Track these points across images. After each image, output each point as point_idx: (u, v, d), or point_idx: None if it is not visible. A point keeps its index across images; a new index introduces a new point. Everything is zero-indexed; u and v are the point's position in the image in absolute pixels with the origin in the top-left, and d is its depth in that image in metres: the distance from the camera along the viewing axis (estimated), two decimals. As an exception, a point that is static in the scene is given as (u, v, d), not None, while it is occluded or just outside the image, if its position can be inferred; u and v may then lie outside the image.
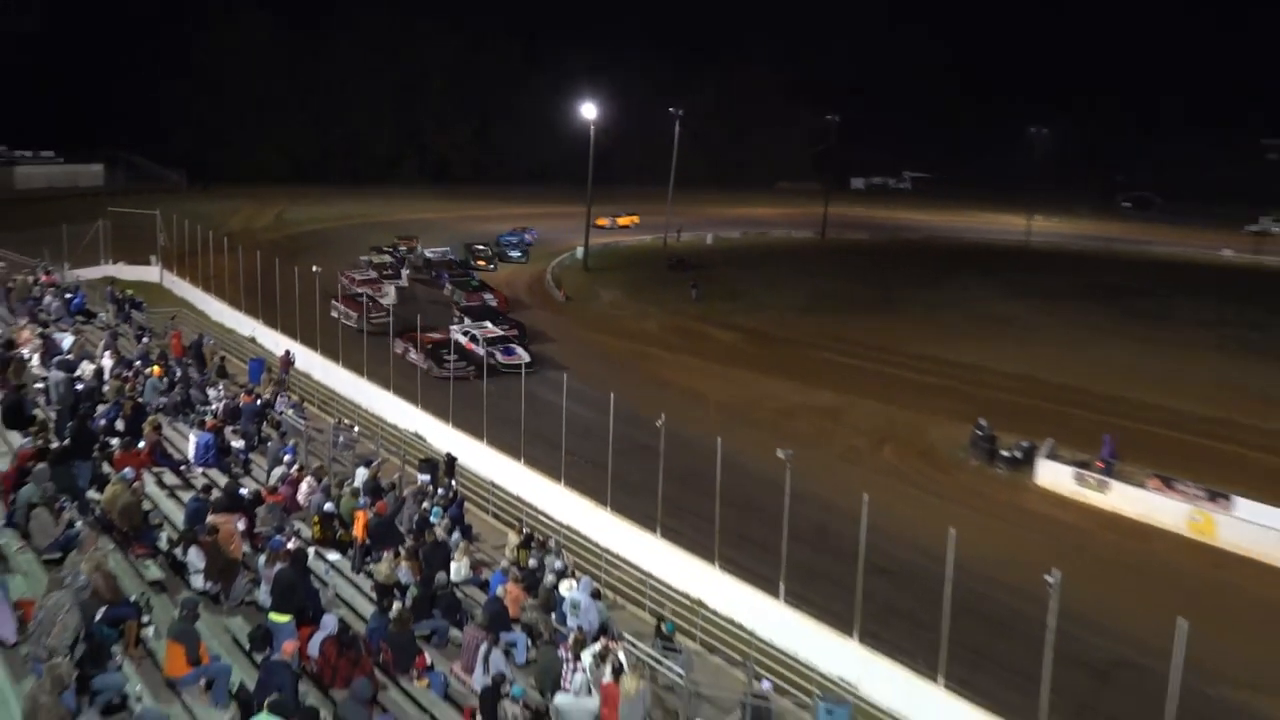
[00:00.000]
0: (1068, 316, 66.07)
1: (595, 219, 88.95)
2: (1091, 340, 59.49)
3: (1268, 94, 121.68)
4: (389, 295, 59.09)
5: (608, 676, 18.10)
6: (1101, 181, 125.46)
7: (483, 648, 18.33)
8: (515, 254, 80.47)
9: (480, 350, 46.11)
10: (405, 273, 68.27)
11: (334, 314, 50.24)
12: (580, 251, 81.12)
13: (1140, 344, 58.49)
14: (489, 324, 52.23)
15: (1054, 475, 36.77)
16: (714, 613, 25.67)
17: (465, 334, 49.84)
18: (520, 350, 48.62)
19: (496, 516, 31.03)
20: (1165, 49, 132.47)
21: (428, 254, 74.55)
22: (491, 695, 16.79)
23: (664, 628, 22.77)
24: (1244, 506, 32.95)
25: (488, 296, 62.13)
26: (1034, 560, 23.12)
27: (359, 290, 55.37)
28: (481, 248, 79.24)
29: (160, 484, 24.32)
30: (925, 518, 29.20)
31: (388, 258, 71.57)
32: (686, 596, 26.35)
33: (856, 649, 23.03)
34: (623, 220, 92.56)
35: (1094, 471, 36.01)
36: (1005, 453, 38.39)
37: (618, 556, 28.59)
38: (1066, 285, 76.61)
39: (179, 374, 33.77)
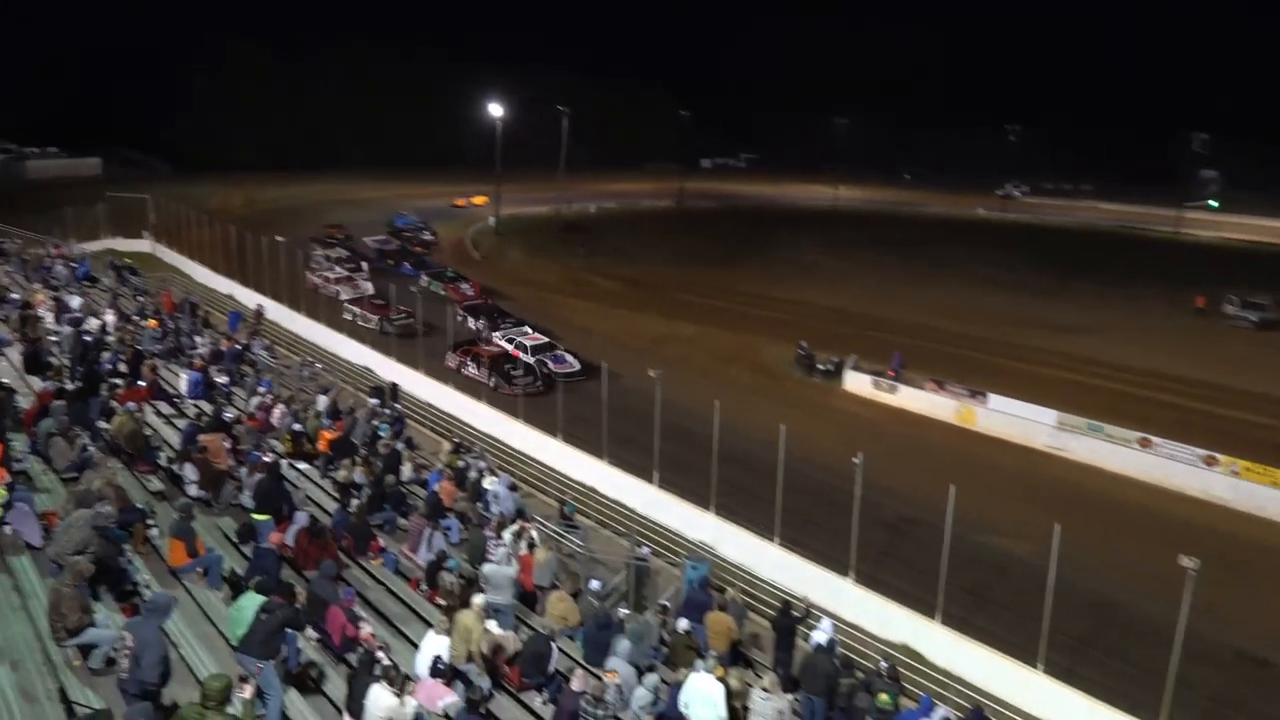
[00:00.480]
0: (864, 262, 67.16)
1: (454, 200, 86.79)
2: (882, 279, 60.68)
3: (1013, 90, 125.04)
4: (367, 292, 47.14)
5: (524, 549, 18.10)
6: (888, 158, 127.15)
7: (425, 532, 18.18)
8: (426, 235, 70.34)
9: (528, 359, 36.21)
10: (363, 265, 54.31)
11: (346, 316, 42.23)
12: (492, 220, 79.70)
13: (918, 281, 59.87)
14: (528, 328, 40.50)
15: (857, 382, 37.59)
16: (604, 497, 25.82)
17: (509, 341, 38.68)
18: (569, 358, 37.37)
19: (433, 430, 30.61)
20: (930, 57, 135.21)
21: (370, 243, 61.55)
22: (433, 568, 16.70)
23: (565, 510, 22.82)
24: (996, 401, 34.13)
25: (464, 286, 50.23)
26: (844, 446, 23.64)
27: (336, 288, 46.49)
28: (409, 234, 67.78)
29: (158, 414, 23.45)
30: (762, 417, 29.54)
31: (341, 250, 56.56)
32: (582, 485, 26.45)
33: (713, 519, 23.40)
34: (476, 200, 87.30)
35: (886, 379, 36.91)
36: (821, 366, 39.11)
37: (529, 457, 28.51)
38: (863, 238, 77.75)
39: (171, 326, 32.49)
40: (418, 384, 33.65)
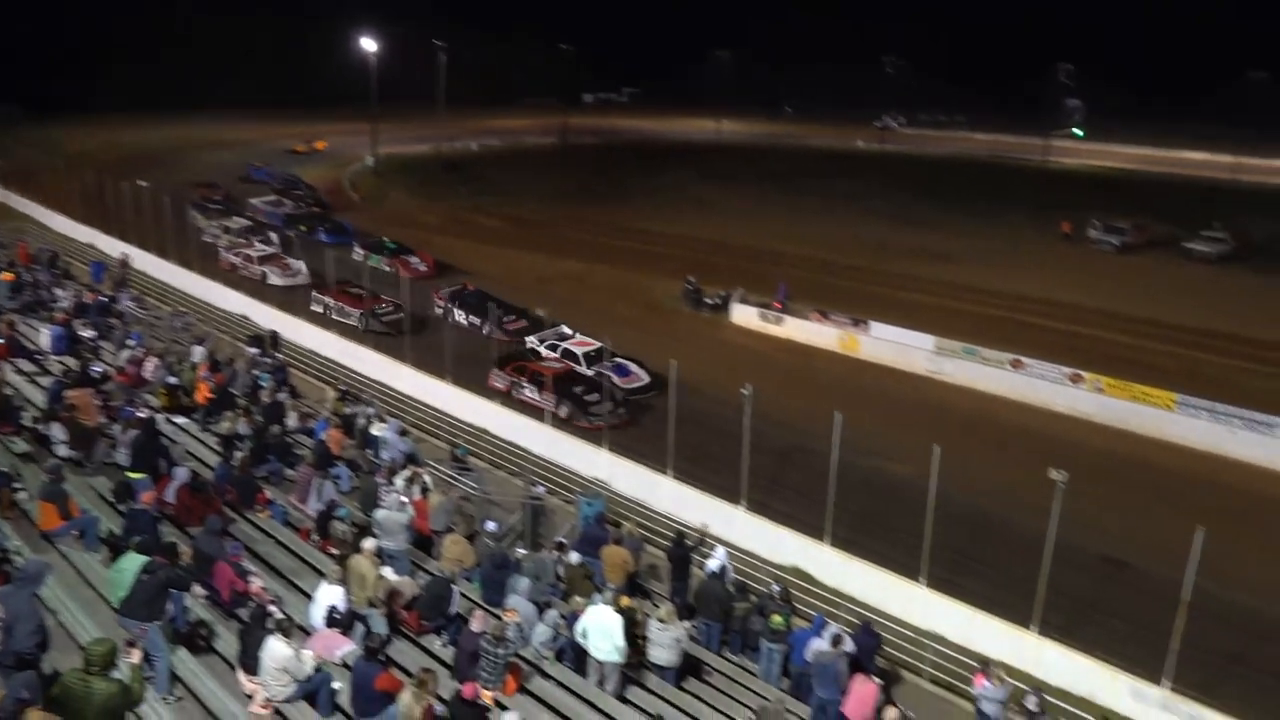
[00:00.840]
0: (749, 195, 67.55)
1: (293, 145, 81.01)
2: (766, 212, 61.24)
3: (890, 22, 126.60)
4: (300, 272, 38.86)
5: (417, 494, 17.93)
6: (769, 91, 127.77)
7: (314, 481, 17.83)
8: (299, 189, 62.11)
9: (586, 371, 29.24)
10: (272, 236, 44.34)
11: (316, 308, 34.37)
12: (370, 160, 77.25)
13: (801, 213, 60.64)
14: (564, 328, 32.17)
15: (744, 315, 38.11)
16: (496, 437, 25.67)
17: (549, 347, 30.97)
18: (633, 367, 29.57)
19: (317, 378, 29.79)
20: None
21: (261, 205, 52.32)
22: (324, 517, 16.44)
23: (458, 453, 22.66)
24: (878, 329, 35.10)
25: (413, 260, 42.39)
26: (733, 378, 23.98)
27: (262, 269, 38.97)
28: (300, 192, 59.03)
29: (19, 372, 22.23)
30: (653, 353, 29.79)
31: (241, 219, 47.73)
32: (473, 427, 26.24)
33: (608, 456, 23.53)
34: (318, 145, 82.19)
35: (772, 310, 37.53)
36: (708, 300, 39.49)
37: (418, 401, 28.06)
38: (747, 172, 78.12)
39: (28, 278, 30.66)
40: (300, 331, 32.67)
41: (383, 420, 22.61)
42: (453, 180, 70.85)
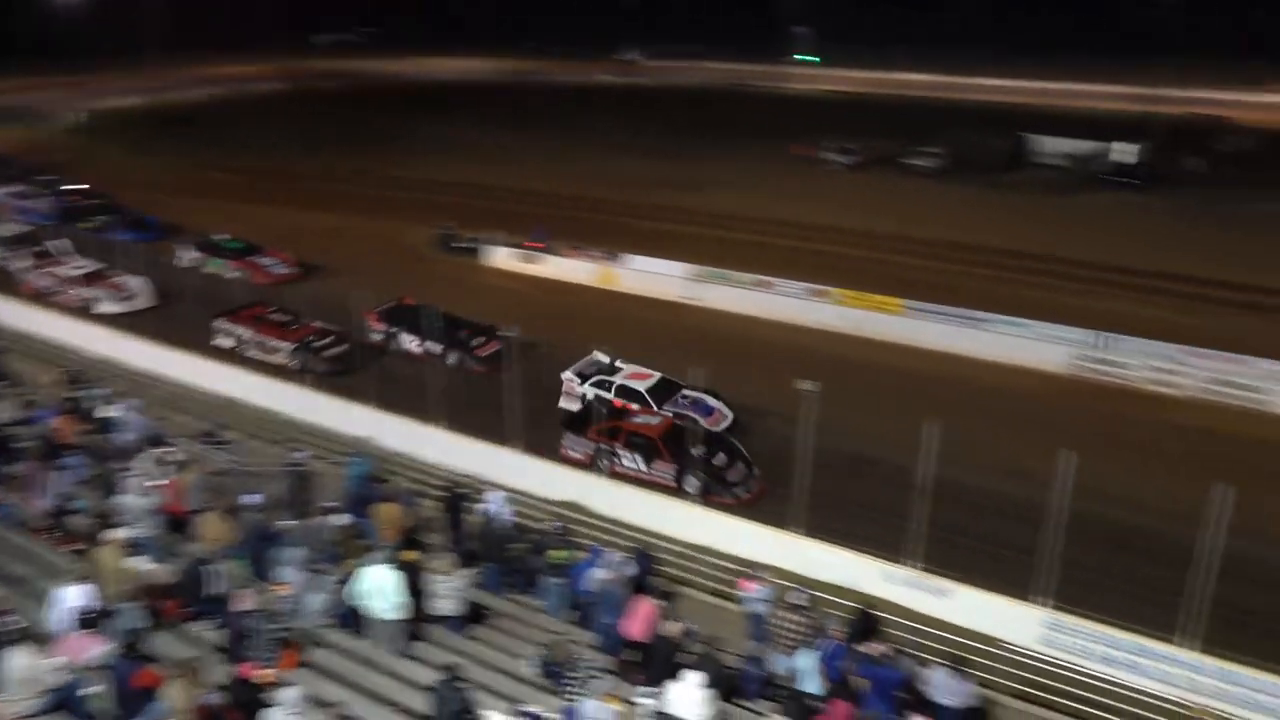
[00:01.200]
0: (501, 136, 66.38)
1: None
2: (522, 152, 60.53)
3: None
4: (139, 294, 31.08)
5: (171, 474, 16.81)
6: (511, 28, 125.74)
7: (41, 475, 16.34)
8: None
9: (655, 408, 22.68)
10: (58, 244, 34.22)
11: (223, 342, 27.49)
12: (77, 116, 69.99)
13: (556, 151, 60.43)
14: (598, 354, 24.98)
15: (501, 257, 37.87)
16: (249, 405, 24.38)
17: (599, 385, 23.71)
18: (715, 401, 23.22)
19: (37, 360, 27.04)
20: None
21: (7, 201, 42.61)
22: (58, 512, 15.17)
23: (208, 426, 21.39)
24: (633, 260, 35.88)
25: (266, 261, 35.18)
26: (495, 319, 23.78)
27: (86, 294, 31.00)
28: (47, 178, 48.27)
29: None
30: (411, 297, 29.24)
31: (13, 225, 37.93)
32: (221, 396, 24.78)
33: (372, 412, 22.88)
34: None
35: (529, 250, 37.52)
36: (461, 245, 38.95)
37: (157, 375, 26.11)
38: (496, 112, 76.87)
39: None
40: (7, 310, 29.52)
41: (117, 400, 20.95)
42: (177, 134, 65.53)
